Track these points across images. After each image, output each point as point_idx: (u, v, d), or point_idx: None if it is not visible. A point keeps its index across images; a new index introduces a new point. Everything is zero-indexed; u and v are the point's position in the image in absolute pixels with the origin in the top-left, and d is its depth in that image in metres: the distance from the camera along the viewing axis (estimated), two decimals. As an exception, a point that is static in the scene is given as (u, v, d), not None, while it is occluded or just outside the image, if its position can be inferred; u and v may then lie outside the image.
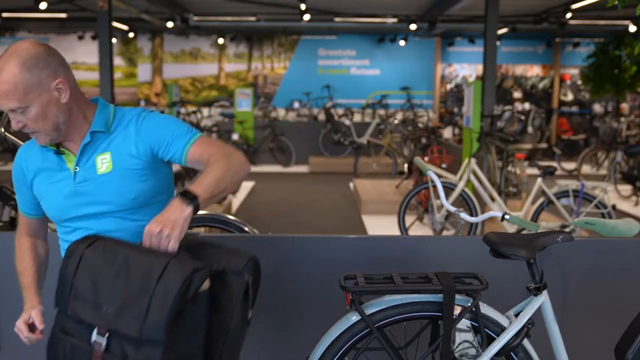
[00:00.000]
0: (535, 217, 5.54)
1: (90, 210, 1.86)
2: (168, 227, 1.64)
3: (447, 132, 10.62)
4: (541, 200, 5.51)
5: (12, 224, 3.25)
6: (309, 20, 12.85)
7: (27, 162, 1.95)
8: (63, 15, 13.66)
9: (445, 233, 6.09)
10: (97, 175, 1.83)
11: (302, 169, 12.92)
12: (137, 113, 1.91)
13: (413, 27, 13.77)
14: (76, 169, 1.85)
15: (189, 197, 1.68)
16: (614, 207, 5.84)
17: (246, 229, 3.38)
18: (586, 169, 11.95)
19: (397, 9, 13.30)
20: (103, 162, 1.84)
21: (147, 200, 1.87)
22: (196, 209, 1.68)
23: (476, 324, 2.07)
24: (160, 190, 1.91)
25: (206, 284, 1.65)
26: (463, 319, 2.04)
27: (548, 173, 5.45)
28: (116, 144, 1.86)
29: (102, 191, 1.83)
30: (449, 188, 5.72)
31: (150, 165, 1.86)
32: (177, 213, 1.66)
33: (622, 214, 7.95)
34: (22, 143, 3.37)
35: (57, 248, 2.07)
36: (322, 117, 15.48)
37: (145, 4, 11.80)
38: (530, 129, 14.73)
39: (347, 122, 12.64)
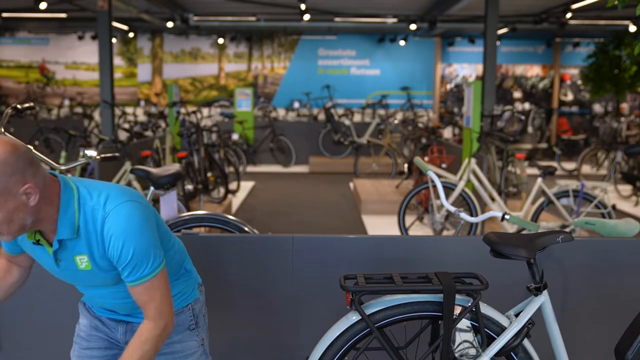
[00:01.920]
0: (535, 217, 5.53)
1: (78, 283, 1.91)
2: None
3: (447, 132, 10.60)
4: (541, 200, 5.51)
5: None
6: (309, 20, 12.85)
7: None
8: (63, 15, 13.67)
9: (445, 233, 6.09)
10: (78, 269, 1.83)
11: (302, 169, 12.92)
12: (101, 221, 1.76)
13: (413, 27, 13.78)
14: (57, 259, 1.83)
15: None
16: (614, 207, 5.84)
17: (246, 229, 3.38)
18: (586, 169, 11.96)
19: (397, 9, 13.30)
20: (82, 261, 1.81)
21: None
22: None
23: (476, 324, 2.06)
24: None
25: None
26: (463, 319, 2.04)
27: (548, 173, 5.45)
28: (89, 247, 1.79)
29: (85, 278, 1.86)
30: (449, 188, 5.72)
31: None
32: None
33: (622, 214, 7.95)
34: (21, 143, 3.38)
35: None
36: (322, 117, 15.48)
37: (145, 4, 11.81)
38: (530, 129, 14.73)
39: (347, 122, 12.64)
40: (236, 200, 8.84)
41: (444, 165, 7.22)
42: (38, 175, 1.68)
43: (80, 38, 16.04)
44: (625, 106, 16.09)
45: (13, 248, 1.94)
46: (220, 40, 16.35)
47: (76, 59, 16.55)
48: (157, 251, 1.81)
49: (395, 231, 6.46)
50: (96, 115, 15.05)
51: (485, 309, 2.11)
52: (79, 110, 15.70)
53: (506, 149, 7.23)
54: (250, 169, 12.27)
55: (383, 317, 2.05)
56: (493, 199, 5.97)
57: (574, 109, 16.82)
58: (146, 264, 1.78)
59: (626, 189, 9.68)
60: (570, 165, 12.51)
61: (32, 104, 3.54)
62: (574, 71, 16.77)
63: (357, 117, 15.90)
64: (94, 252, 1.79)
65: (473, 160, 5.92)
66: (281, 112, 16.42)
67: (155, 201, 4.35)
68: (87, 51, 16.36)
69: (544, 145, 14.64)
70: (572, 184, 5.46)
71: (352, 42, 16.54)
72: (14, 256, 1.98)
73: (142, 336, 1.80)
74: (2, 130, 3.25)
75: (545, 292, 2.16)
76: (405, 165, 9.35)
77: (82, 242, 1.78)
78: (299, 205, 8.80)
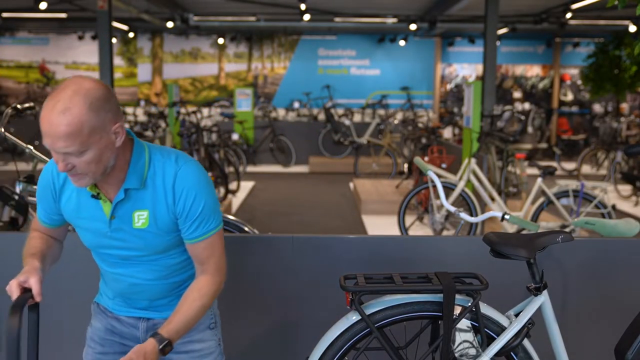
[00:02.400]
0: (535, 217, 5.53)
1: (120, 253, 1.87)
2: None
3: (447, 132, 10.60)
4: (541, 200, 5.51)
5: (12, 224, 3.25)
6: (309, 20, 12.85)
7: (60, 179, 1.88)
8: (63, 15, 13.67)
9: (445, 233, 6.09)
10: (132, 228, 1.83)
11: (302, 169, 12.92)
12: (174, 174, 1.81)
13: (413, 27, 13.78)
14: (112, 217, 1.82)
15: (163, 341, 1.75)
16: (614, 207, 5.83)
17: (246, 229, 3.38)
18: (586, 169, 11.96)
19: (397, 9, 13.30)
20: (140, 218, 1.82)
21: (176, 244, 1.90)
22: (165, 352, 1.76)
23: (476, 324, 2.06)
24: None
25: None
26: (463, 319, 2.04)
27: (548, 173, 5.45)
28: (152, 202, 1.81)
29: (135, 241, 1.84)
30: (449, 188, 5.72)
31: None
32: (153, 354, 1.73)
33: (622, 214, 7.95)
34: (22, 143, 3.38)
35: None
36: (322, 117, 15.48)
37: (145, 4, 11.81)
38: (530, 129, 14.73)
39: (347, 122, 12.64)
40: (236, 200, 8.84)
41: (444, 165, 7.22)
42: (123, 118, 1.76)
43: (80, 38, 16.04)
44: (625, 106, 16.09)
45: (53, 220, 1.94)
46: (220, 40, 16.35)
47: (76, 59, 16.55)
48: (219, 209, 1.88)
49: (395, 231, 6.46)
50: (96, 115, 15.03)
51: (485, 309, 2.11)
52: (79, 110, 15.68)
53: (506, 149, 7.23)
54: (250, 169, 12.27)
55: (383, 317, 2.05)
56: (493, 199, 5.96)
57: (574, 109, 16.82)
58: (212, 219, 1.84)
59: (626, 189, 9.67)
60: (570, 165, 12.50)
61: (32, 104, 3.55)
62: (574, 71, 16.77)
63: (357, 117, 15.90)
64: (157, 207, 1.81)
65: (473, 160, 5.92)
66: (281, 112, 16.42)
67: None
68: (87, 51, 16.36)
69: (544, 145, 14.64)
70: (572, 184, 5.45)
71: (352, 42, 16.54)
72: (51, 229, 1.98)
73: (202, 289, 1.84)
74: (2, 130, 3.26)
75: (545, 292, 2.16)
76: (405, 165, 9.35)
77: (147, 195, 1.81)
78: (299, 205, 8.80)
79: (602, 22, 13.80)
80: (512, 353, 2.11)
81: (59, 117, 1.60)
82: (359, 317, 2.03)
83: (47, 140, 1.63)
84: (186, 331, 1.81)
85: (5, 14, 13.84)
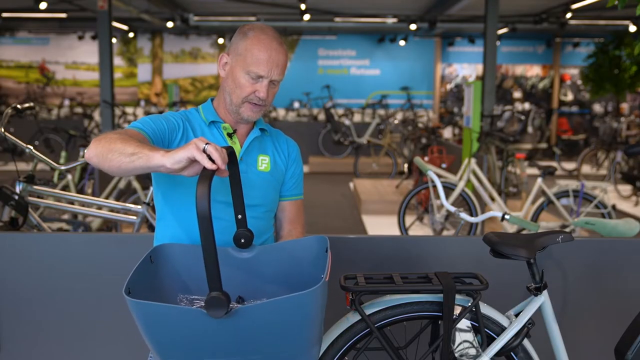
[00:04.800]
0: (535, 217, 5.53)
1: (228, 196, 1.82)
2: None
3: (447, 132, 10.61)
4: (541, 200, 5.51)
5: (12, 224, 3.25)
6: (309, 20, 12.85)
7: (191, 123, 1.95)
8: (63, 15, 13.67)
9: (445, 233, 6.09)
10: (255, 170, 1.97)
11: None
12: (285, 138, 2.12)
13: (413, 27, 13.77)
14: (240, 158, 1.93)
15: None
16: (614, 207, 5.84)
17: (246, 229, 3.37)
18: (586, 169, 11.96)
19: (397, 9, 13.30)
20: (263, 162, 2.00)
21: (274, 208, 2.06)
22: None
23: (476, 324, 2.06)
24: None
25: None
26: (463, 319, 2.04)
27: (548, 173, 5.45)
28: (273, 151, 2.04)
29: (255, 185, 1.95)
30: (449, 188, 5.72)
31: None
32: None
33: (622, 214, 7.95)
34: (22, 143, 3.38)
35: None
36: (322, 117, 15.48)
37: (145, 4, 11.81)
38: (530, 129, 14.73)
39: (347, 122, 12.64)
40: (236, 200, 8.82)
41: (444, 165, 7.22)
42: None
43: (80, 38, 16.04)
44: (625, 106, 16.09)
45: (154, 133, 1.79)
46: (220, 40, 16.35)
47: (76, 59, 16.55)
48: None
49: (395, 231, 6.46)
50: (96, 115, 15.05)
51: (485, 309, 2.11)
52: (79, 110, 15.69)
53: (506, 149, 7.23)
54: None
55: (383, 317, 2.05)
56: (493, 199, 5.96)
57: (574, 109, 16.82)
58: (302, 185, 2.15)
59: (626, 189, 9.67)
60: (570, 165, 12.50)
61: (32, 104, 3.55)
62: (574, 71, 16.77)
63: (357, 117, 15.90)
64: (276, 155, 2.04)
65: (473, 160, 5.92)
66: (281, 112, 16.42)
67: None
68: (87, 51, 16.36)
69: (544, 145, 14.64)
70: (572, 184, 5.45)
71: (352, 42, 16.54)
72: (144, 137, 1.74)
73: None
74: (2, 130, 3.26)
75: (545, 292, 2.16)
76: (405, 165, 9.35)
77: (268, 143, 2.04)
78: (299, 205, 8.78)
79: (602, 22, 13.80)
80: (512, 353, 2.11)
81: (280, 47, 1.87)
82: (359, 317, 2.03)
83: (263, 67, 1.83)
84: None
85: (5, 14, 13.84)
